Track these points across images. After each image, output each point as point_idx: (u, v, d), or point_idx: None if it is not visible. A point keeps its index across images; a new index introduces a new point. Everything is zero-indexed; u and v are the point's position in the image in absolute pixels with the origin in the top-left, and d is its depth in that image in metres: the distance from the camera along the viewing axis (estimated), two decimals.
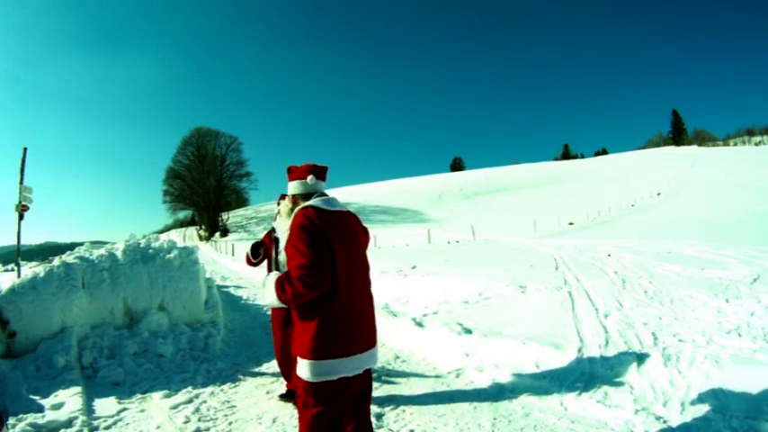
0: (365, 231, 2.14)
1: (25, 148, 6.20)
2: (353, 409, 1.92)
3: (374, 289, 2.06)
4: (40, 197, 6.79)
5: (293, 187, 1.99)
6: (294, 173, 2.00)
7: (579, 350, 3.23)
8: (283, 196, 2.57)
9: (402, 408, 2.83)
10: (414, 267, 8.02)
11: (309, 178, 1.93)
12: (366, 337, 1.85)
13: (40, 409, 2.88)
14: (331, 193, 2.01)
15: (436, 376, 3.38)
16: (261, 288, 2.36)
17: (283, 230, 2.02)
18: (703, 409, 2.38)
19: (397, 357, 3.87)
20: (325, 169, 2.02)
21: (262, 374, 3.69)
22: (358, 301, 1.85)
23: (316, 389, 1.75)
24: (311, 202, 1.87)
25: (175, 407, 3.00)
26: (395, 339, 4.21)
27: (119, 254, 4.72)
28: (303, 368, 1.76)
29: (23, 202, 6.04)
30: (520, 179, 63.93)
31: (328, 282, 1.74)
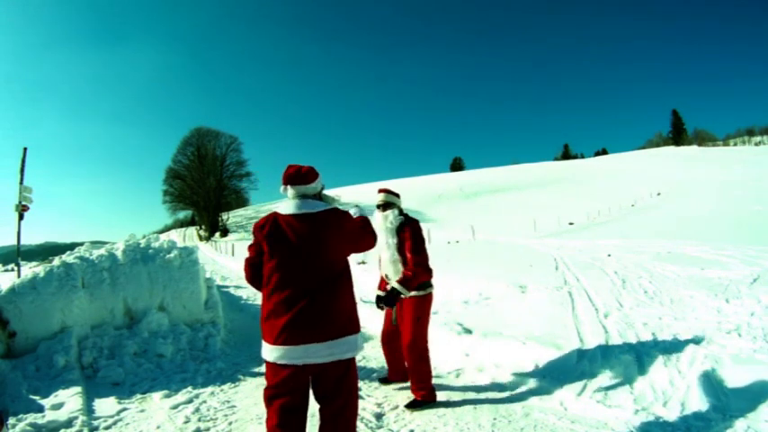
0: (324, 230, 1.97)
1: (25, 149, 6.21)
2: (321, 408, 1.99)
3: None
4: (40, 197, 6.80)
5: None
6: None
7: (579, 350, 3.24)
8: None
9: (402, 407, 2.83)
10: None
11: (281, 188, 2.12)
12: (295, 332, 1.86)
13: (40, 409, 2.88)
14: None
15: (436, 376, 3.36)
16: None
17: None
18: (703, 409, 2.38)
19: None
20: (294, 174, 2.05)
21: (262, 374, 3.64)
22: (281, 296, 1.91)
23: (266, 367, 1.96)
24: (276, 207, 2.10)
25: (175, 407, 3.00)
26: None
27: (119, 254, 4.72)
28: None
29: (23, 202, 6.05)
30: (520, 179, 63.87)
31: (250, 274, 2.07)
